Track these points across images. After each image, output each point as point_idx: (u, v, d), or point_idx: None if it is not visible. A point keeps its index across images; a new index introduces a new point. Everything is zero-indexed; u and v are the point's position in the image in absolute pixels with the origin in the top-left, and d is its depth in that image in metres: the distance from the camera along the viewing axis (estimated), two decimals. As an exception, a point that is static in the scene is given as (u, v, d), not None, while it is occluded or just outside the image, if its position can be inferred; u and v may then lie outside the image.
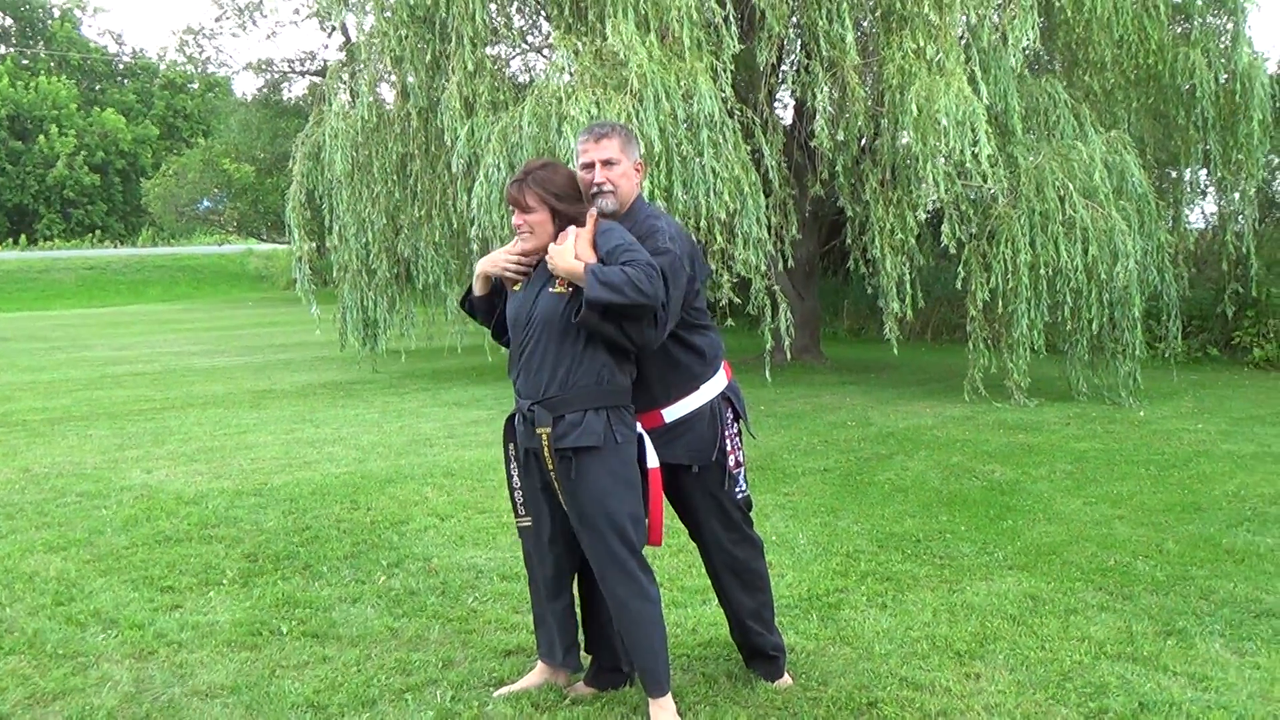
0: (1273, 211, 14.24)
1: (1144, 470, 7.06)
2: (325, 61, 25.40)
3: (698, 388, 3.52)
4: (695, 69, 8.66)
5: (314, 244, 12.46)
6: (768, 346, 9.59)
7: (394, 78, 11.28)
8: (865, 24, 10.49)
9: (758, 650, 3.72)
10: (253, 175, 30.37)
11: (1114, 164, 9.79)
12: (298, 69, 29.37)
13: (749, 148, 9.39)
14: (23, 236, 40.66)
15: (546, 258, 3.31)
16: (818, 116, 9.39)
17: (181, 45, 31.99)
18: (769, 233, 9.39)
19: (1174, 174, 12.35)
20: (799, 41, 10.77)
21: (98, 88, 50.37)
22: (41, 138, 43.42)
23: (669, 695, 3.38)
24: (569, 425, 3.27)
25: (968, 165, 8.86)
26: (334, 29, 24.44)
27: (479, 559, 5.10)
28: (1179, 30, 11.46)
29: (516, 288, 3.46)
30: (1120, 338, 9.84)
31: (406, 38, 10.35)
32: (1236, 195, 11.45)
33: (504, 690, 3.61)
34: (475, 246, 9.53)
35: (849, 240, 10.77)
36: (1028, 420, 8.96)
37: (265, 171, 29.83)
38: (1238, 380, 11.34)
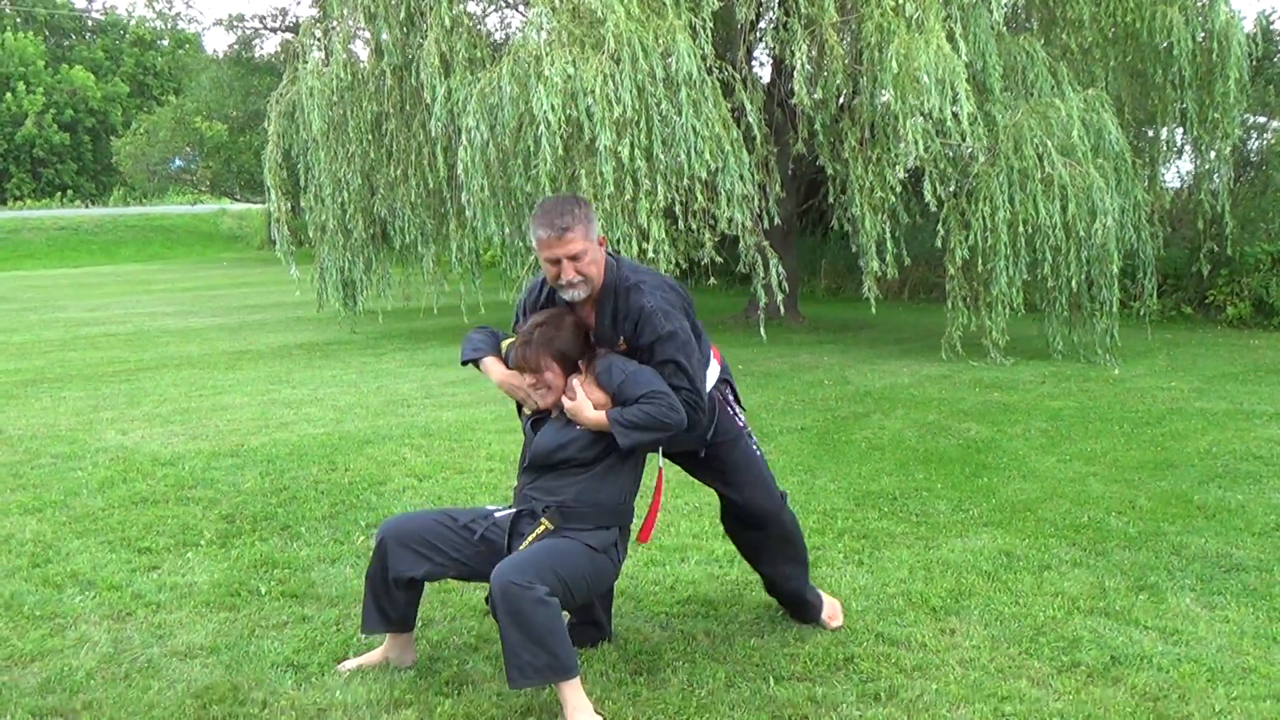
0: (1248, 170, 14.27)
1: (1118, 428, 7.12)
2: (297, 18, 24.97)
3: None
4: (674, 26, 8.57)
5: (289, 204, 12.32)
6: (761, 303, 9.55)
7: (368, 34, 11.11)
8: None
9: (799, 598, 3.84)
10: (225, 134, 29.89)
11: (1091, 122, 9.78)
12: (269, 25, 28.91)
13: (729, 105, 9.32)
14: (-8, 196, 40.15)
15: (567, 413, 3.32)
16: (796, 74, 9.32)
17: (150, 1, 31.39)
18: (755, 188, 9.36)
19: (1150, 133, 12.32)
20: (777, -3, 10.69)
21: (66, 44, 49.42)
22: (9, 95, 42.60)
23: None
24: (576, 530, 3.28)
25: (947, 124, 8.84)
26: (306, -16, 24.07)
27: (458, 519, 5.10)
28: (1157, -13, 11.39)
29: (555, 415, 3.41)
30: (1098, 295, 9.90)
31: (380, -8, 10.21)
32: (1212, 154, 11.45)
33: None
34: (470, 212, 9.45)
35: (829, 199, 10.74)
36: (1004, 379, 9.02)
37: (238, 130, 29.36)
38: (1211, 339, 11.43)
